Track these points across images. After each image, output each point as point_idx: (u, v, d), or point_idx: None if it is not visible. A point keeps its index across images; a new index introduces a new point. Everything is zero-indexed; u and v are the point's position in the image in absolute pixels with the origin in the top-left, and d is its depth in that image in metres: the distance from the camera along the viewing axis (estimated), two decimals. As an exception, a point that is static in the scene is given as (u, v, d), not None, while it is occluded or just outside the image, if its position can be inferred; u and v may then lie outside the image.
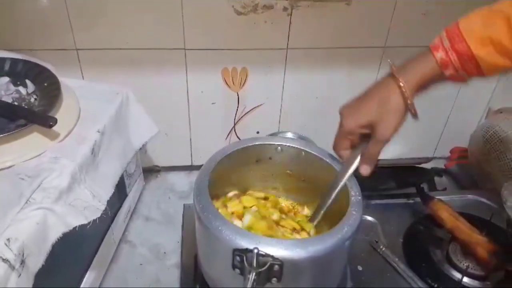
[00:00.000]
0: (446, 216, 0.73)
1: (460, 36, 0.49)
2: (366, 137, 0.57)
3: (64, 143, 0.59)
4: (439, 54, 0.51)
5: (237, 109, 0.89)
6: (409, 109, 0.54)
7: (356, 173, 0.59)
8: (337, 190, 0.59)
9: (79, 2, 0.71)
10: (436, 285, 0.66)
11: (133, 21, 0.74)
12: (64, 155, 0.56)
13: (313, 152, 0.64)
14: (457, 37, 0.50)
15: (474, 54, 0.49)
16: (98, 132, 0.63)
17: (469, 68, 0.50)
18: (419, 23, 0.83)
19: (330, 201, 0.60)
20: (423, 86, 0.54)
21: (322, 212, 0.61)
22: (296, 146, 0.65)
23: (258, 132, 0.93)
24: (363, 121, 0.56)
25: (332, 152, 0.62)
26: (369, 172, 0.58)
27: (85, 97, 0.68)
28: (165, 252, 0.77)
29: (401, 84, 0.52)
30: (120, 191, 0.75)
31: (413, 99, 0.53)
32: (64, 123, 0.60)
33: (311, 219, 0.64)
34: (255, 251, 0.47)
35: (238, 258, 0.49)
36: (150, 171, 0.95)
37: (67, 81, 0.69)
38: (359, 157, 0.58)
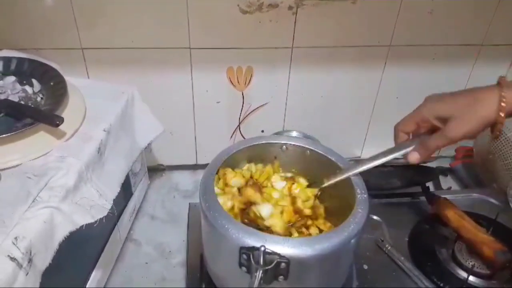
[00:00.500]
0: (452, 215, 0.73)
1: None
2: (433, 132, 0.55)
3: (71, 142, 0.59)
4: None
5: (242, 108, 0.89)
6: (495, 123, 0.50)
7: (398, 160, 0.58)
8: (376, 163, 0.58)
9: (85, 1, 0.71)
10: (442, 284, 0.66)
11: (139, 21, 0.74)
12: (71, 154, 0.56)
13: (318, 151, 0.64)
14: None
15: None
16: (104, 131, 0.63)
17: None
18: (425, 21, 0.82)
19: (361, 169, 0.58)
20: None
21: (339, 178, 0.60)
22: (301, 145, 0.65)
23: (263, 131, 0.93)
24: (442, 112, 0.53)
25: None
26: (417, 161, 0.55)
27: (91, 96, 0.68)
28: (170, 251, 0.77)
29: (503, 94, 0.49)
30: (126, 190, 0.75)
31: (509, 114, 0.49)
32: (70, 122, 0.60)
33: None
34: (262, 249, 0.47)
35: (244, 256, 0.49)
36: (155, 170, 0.95)
37: (73, 80, 0.69)
38: (412, 147, 0.56)
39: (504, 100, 0.49)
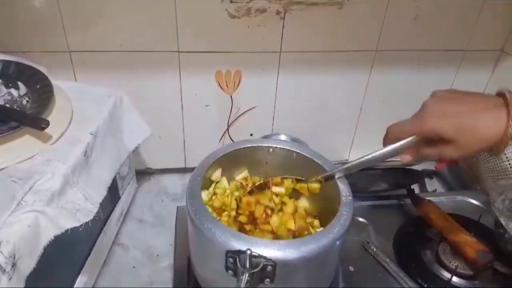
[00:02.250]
0: (436, 217, 0.74)
1: None
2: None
3: (57, 145, 0.59)
4: None
5: (230, 112, 0.90)
6: (499, 144, 0.47)
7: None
8: (369, 158, 0.57)
9: (72, 4, 0.71)
10: (426, 285, 0.67)
11: (127, 24, 0.75)
12: (57, 157, 0.56)
13: (304, 154, 0.65)
14: None
15: None
16: (91, 134, 0.63)
17: None
18: (410, 27, 0.84)
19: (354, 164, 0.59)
20: None
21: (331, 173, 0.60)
22: (287, 148, 0.66)
23: (251, 135, 0.94)
24: (445, 134, 0.49)
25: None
26: (407, 162, 0.54)
27: (78, 99, 0.68)
28: (158, 255, 0.77)
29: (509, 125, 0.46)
30: (113, 193, 0.75)
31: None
32: (57, 125, 0.60)
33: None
34: (248, 252, 0.47)
35: (231, 259, 0.49)
36: (144, 174, 0.94)
37: (60, 83, 0.69)
38: (403, 145, 0.54)
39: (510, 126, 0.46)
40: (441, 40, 0.88)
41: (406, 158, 0.55)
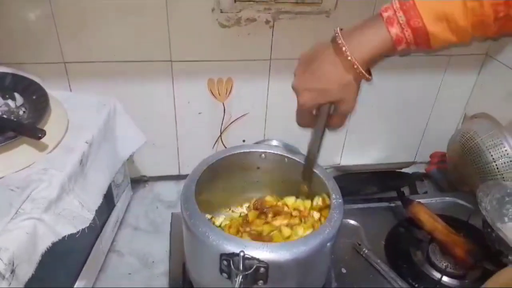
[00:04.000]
0: (425, 218, 0.76)
1: (416, 11, 0.48)
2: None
3: (53, 154, 0.60)
4: (394, 30, 0.49)
5: (223, 119, 0.91)
6: (361, 78, 0.54)
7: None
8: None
9: (67, 16, 0.73)
10: (416, 285, 0.69)
11: (120, 34, 0.76)
12: (53, 166, 0.57)
13: (295, 158, 0.66)
14: (412, 12, 0.48)
15: (428, 30, 0.48)
16: (86, 143, 0.64)
17: (420, 43, 0.50)
18: (396, 33, 0.86)
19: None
20: (372, 61, 0.53)
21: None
22: (279, 153, 0.67)
23: (244, 141, 0.95)
24: (322, 101, 0.56)
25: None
26: (340, 126, 0.60)
27: (73, 109, 0.69)
28: (153, 261, 0.78)
29: (347, 53, 0.52)
30: (108, 201, 0.76)
31: (364, 69, 0.52)
32: (53, 134, 0.61)
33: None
34: (241, 254, 0.49)
35: (225, 262, 0.51)
36: (138, 181, 0.96)
37: (55, 94, 0.70)
38: (324, 121, 0.59)
39: (355, 67, 0.52)
40: (427, 46, 0.90)
41: (335, 122, 0.59)
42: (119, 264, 0.77)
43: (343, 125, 0.60)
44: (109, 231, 0.78)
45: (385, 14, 0.50)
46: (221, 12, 0.77)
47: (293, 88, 0.59)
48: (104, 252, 0.77)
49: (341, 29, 0.54)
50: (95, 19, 0.74)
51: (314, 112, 0.59)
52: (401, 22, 0.49)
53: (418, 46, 0.51)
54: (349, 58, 0.52)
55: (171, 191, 0.94)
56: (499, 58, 0.92)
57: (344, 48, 0.52)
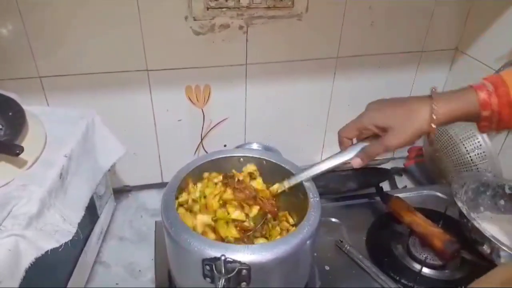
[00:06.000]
0: (404, 212, 0.78)
1: (504, 83, 0.53)
2: (374, 137, 0.60)
3: (32, 170, 0.60)
4: (482, 94, 0.53)
5: (203, 125, 0.92)
6: (429, 132, 0.55)
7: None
8: (326, 169, 0.62)
9: (39, 30, 0.73)
10: (398, 278, 0.70)
11: (94, 46, 0.77)
12: (32, 181, 0.58)
13: (273, 161, 0.68)
14: (500, 84, 0.53)
15: None
16: (65, 156, 0.64)
17: (504, 114, 0.53)
18: (368, 33, 0.89)
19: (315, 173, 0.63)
20: (454, 118, 0.55)
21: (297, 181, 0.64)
22: (257, 156, 0.69)
23: (225, 145, 0.97)
24: (381, 123, 0.57)
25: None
26: (359, 166, 0.61)
27: (51, 123, 0.69)
28: (140, 270, 0.79)
29: (434, 107, 0.54)
30: (91, 213, 0.76)
31: (438, 125, 0.55)
32: (31, 150, 0.61)
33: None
34: (223, 258, 0.50)
35: (207, 267, 0.52)
36: (121, 191, 0.96)
37: (32, 109, 0.70)
38: (355, 152, 0.61)
39: (434, 111, 0.54)
40: (398, 44, 0.93)
41: (356, 162, 0.61)
42: (106, 275, 0.78)
43: (371, 157, 0.60)
44: (93, 243, 0.78)
45: (475, 84, 0.55)
46: (194, 20, 0.78)
47: (367, 106, 0.61)
48: (90, 264, 0.77)
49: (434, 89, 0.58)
50: (68, 32, 0.74)
51: (361, 135, 0.61)
52: (489, 89, 0.53)
53: (502, 116, 0.53)
54: (433, 99, 0.55)
55: (155, 199, 0.95)
56: (469, 52, 0.95)
57: (434, 92, 0.56)
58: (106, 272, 0.78)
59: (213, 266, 0.51)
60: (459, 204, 0.74)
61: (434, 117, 0.54)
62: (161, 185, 0.97)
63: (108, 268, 0.79)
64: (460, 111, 0.55)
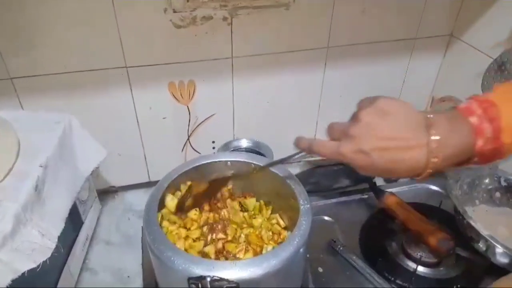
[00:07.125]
0: (398, 208, 0.76)
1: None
2: None
3: (4, 183, 0.56)
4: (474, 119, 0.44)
5: (189, 122, 0.88)
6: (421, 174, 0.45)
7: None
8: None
9: (8, 30, 0.67)
10: (392, 278, 0.69)
11: (68, 43, 0.71)
12: (5, 197, 0.54)
13: (261, 164, 0.64)
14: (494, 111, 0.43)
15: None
16: (41, 166, 0.60)
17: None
18: (359, 21, 0.84)
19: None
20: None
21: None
22: (244, 160, 0.65)
23: (213, 142, 0.93)
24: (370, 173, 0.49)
25: None
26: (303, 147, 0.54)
27: (24, 130, 0.65)
28: (128, 276, 0.76)
29: (434, 161, 0.43)
30: (75, 220, 0.73)
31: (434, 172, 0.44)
32: (2, 162, 0.58)
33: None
34: (208, 279, 0.47)
35: (193, 286, 0.49)
36: (107, 193, 0.92)
37: (4, 114, 0.66)
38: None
39: (433, 155, 0.43)
40: (390, 31, 0.89)
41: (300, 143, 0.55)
42: (93, 283, 0.75)
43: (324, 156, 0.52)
44: (79, 250, 0.75)
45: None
46: (174, 12, 0.73)
47: (360, 118, 0.48)
48: (76, 273, 0.74)
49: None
50: (39, 31, 0.69)
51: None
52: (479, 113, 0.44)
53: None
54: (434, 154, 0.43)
55: (142, 200, 0.90)
56: (464, 38, 0.91)
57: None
58: (93, 279, 0.76)
59: (199, 285, 0.48)
60: (455, 201, 0.72)
61: (434, 160, 0.43)
62: (148, 184, 0.94)
63: (95, 275, 0.76)
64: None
